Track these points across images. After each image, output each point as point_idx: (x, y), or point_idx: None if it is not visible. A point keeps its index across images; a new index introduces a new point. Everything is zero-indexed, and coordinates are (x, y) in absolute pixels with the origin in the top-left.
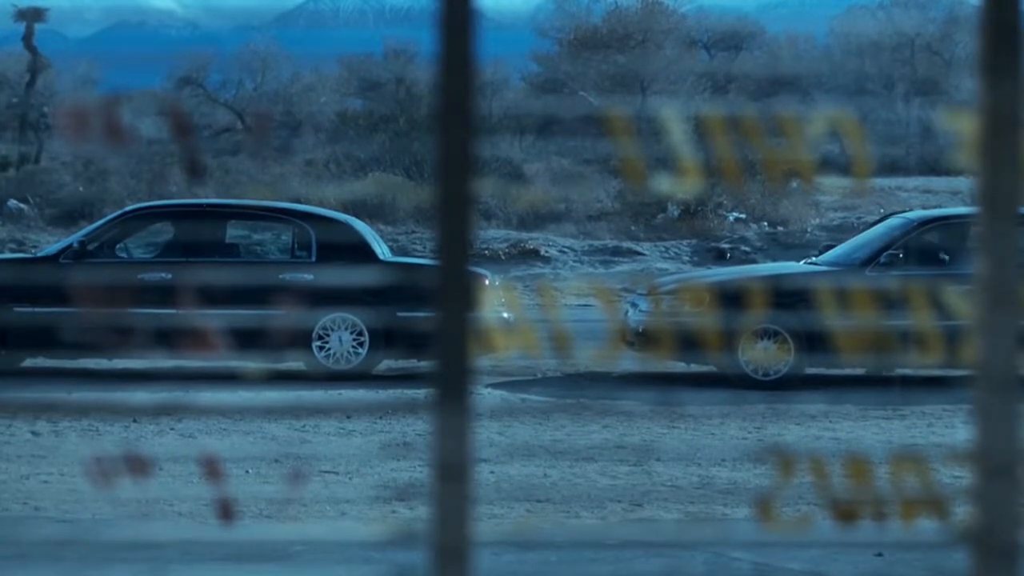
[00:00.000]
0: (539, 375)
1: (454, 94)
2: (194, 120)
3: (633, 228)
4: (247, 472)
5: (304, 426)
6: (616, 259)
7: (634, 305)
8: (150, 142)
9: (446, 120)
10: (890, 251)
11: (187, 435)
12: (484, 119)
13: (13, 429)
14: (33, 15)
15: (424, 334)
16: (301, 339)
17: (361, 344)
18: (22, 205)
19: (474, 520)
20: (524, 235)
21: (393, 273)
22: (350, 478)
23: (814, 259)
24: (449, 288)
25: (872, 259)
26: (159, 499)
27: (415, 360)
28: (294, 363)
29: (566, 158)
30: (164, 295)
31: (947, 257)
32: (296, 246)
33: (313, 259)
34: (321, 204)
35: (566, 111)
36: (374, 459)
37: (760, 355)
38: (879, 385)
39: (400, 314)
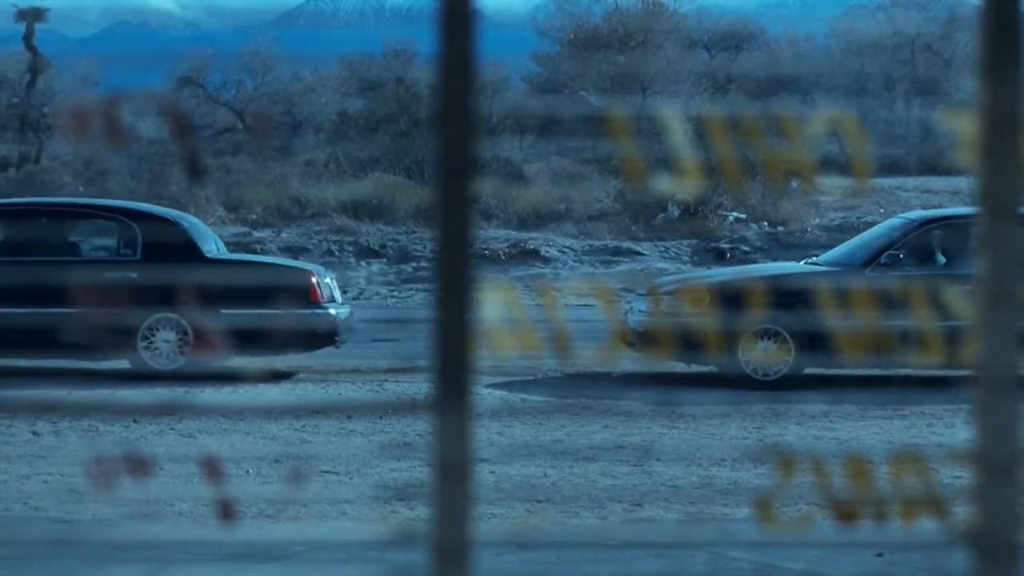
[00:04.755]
0: (539, 375)
1: (454, 94)
2: (194, 120)
3: (633, 228)
4: (247, 472)
5: (304, 426)
6: (616, 259)
7: (634, 305)
8: (150, 142)
9: (446, 120)
10: (890, 251)
11: (187, 435)
12: (484, 119)
13: (13, 429)
14: (33, 15)
15: (248, 332)
16: (127, 338)
17: (186, 343)
18: None
19: (474, 520)
20: (524, 235)
21: (219, 272)
22: (350, 478)
23: (814, 259)
24: (449, 288)
25: (872, 259)
26: (159, 499)
27: (242, 358)
28: (119, 362)
29: (566, 158)
30: None
31: (947, 257)
32: (122, 245)
33: (138, 257)
34: (150, 203)
35: (566, 111)
36: (374, 459)
37: (760, 355)
38: (879, 385)
39: (225, 312)
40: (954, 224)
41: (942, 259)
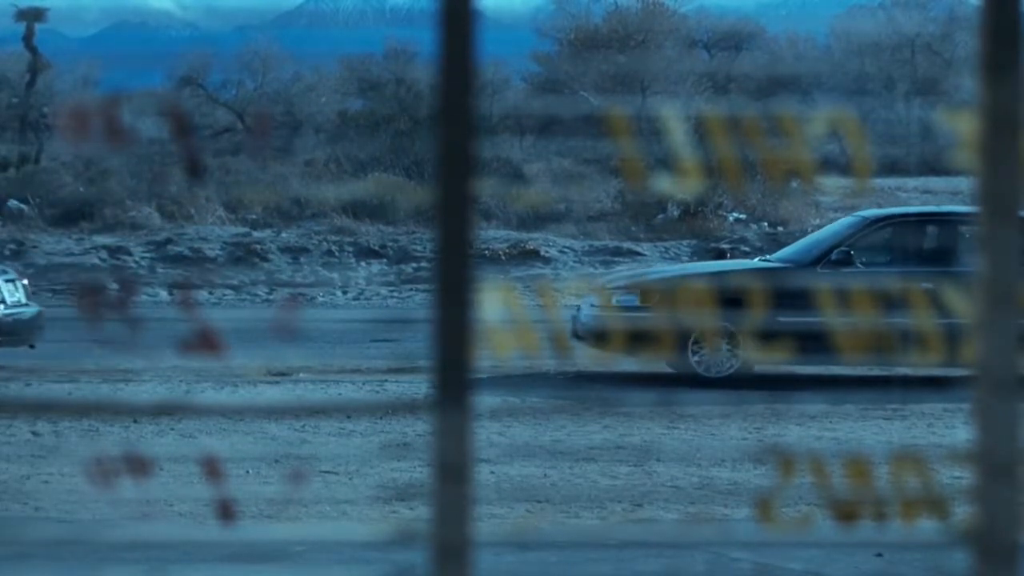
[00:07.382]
0: (539, 375)
1: (454, 94)
2: (194, 120)
3: (633, 228)
4: (247, 472)
5: (304, 426)
6: (616, 259)
7: (584, 303)
8: (150, 142)
9: (446, 120)
10: (841, 248)
11: (187, 435)
12: (484, 119)
13: (13, 429)
14: (33, 15)
15: None
16: None
17: None
18: (22, 205)
19: (474, 520)
20: (524, 235)
21: None
22: (350, 478)
23: (767, 257)
24: (449, 288)
25: (823, 257)
26: (159, 499)
27: None
28: None
29: (566, 158)
30: None
31: (899, 255)
32: None
33: None
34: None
35: (566, 111)
36: (374, 459)
37: (709, 353)
38: (879, 385)
39: None
40: (906, 222)
41: (893, 257)
